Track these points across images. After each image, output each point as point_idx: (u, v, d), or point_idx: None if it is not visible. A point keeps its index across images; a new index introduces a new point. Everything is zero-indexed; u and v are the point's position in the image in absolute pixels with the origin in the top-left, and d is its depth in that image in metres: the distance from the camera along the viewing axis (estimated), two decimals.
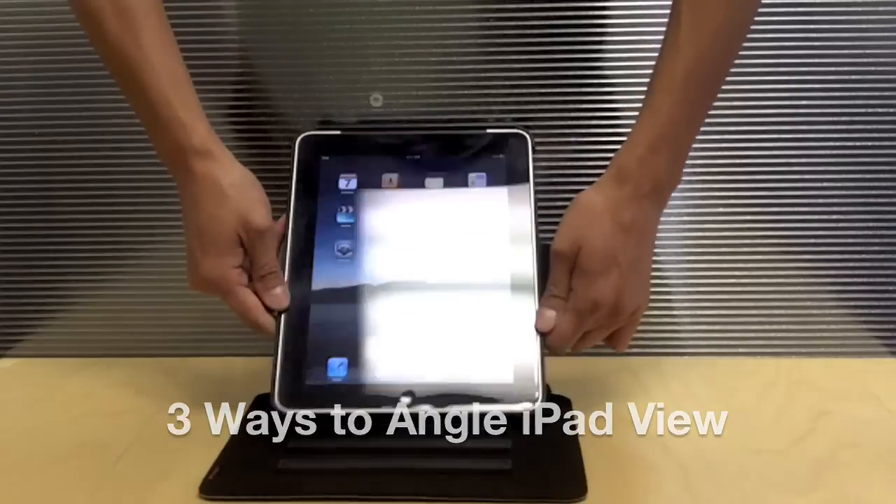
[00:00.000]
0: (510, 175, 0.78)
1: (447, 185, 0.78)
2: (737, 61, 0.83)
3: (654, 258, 0.73)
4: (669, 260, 0.89)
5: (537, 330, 0.71)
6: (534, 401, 0.68)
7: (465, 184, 0.78)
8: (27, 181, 0.90)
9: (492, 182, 0.78)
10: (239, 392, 0.78)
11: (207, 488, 0.64)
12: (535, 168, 0.78)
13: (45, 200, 0.90)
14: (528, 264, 0.74)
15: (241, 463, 0.67)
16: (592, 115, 0.86)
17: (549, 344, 0.71)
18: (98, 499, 0.64)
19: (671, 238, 0.88)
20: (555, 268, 0.71)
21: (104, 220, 0.90)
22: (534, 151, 0.78)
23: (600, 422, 0.74)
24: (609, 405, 0.77)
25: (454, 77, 0.86)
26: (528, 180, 0.77)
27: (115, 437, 0.73)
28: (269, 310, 0.72)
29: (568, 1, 0.84)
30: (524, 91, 0.86)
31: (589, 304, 0.69)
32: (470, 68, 0.85)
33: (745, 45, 0.82)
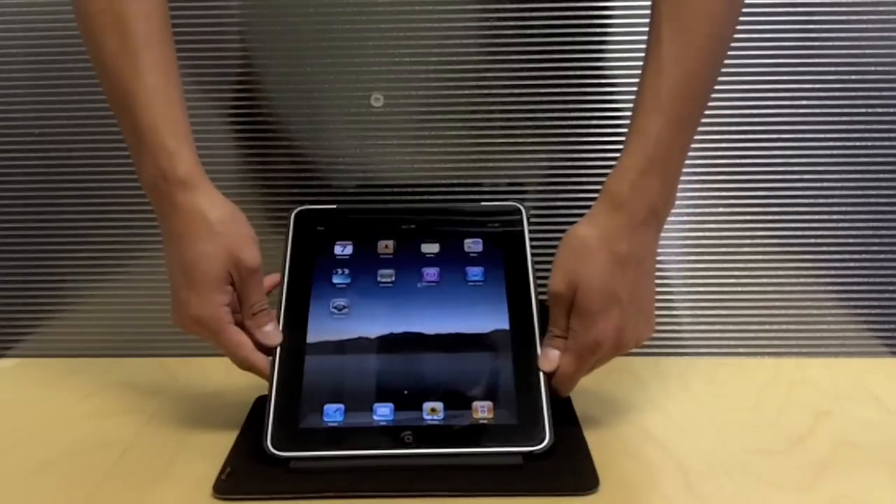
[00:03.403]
0: (506, 243, 0.77)
1: (443, 249, 0.77)
2: (735, 61, 0.84)
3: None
4: (670, 260, 0.89)
5: (541, 370, 0.69)
6: (541, 441, 0.66)
7: (461, 248, 0.77)
8: (27, 181, 0.90)
9: (488, 247, 0.77)
10: (239, 393, 0.79)
11: (221, 488, 0.64)
12: (530, 233, 0.77)
13: (44, 200, 0.90)
14: (528, 318, 0.72)
15: (251, 463, 0.67)
16: (593, 115, 0.86)
17: (554, 385, 0.70)
18: (98, 499, 0.64)
19: (671, 238, 0.88)
20: (553, 308, 0.69)
21: (104, 220, 0.90)
22: (528, 222, 0.78)
23: (600, 422, 0.74)
24: (609, 405, 0.77)
25: (454, 77, 0.86)
26: (524, 249, 0.76)
27: (115, 437, 0.73)
28: (261, 348, 0.71)
29: (568, 1, 0.84)
30: (524, 91, 0.86)
31: (590, 345, 0.67)
32: (470, 68, 0.85)
33: (745, 44, 0.82)
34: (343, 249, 0.78)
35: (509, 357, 0.71)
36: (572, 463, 0.66)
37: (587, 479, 0.64)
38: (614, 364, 0.85)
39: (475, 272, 0.76)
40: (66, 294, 0.92)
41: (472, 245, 0.78)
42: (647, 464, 0.68)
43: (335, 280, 0.76)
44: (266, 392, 0.70)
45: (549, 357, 0.70)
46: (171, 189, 0.68)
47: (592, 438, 0.70)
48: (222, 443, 0.70)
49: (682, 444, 0.70)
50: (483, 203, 0.82)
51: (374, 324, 0.73)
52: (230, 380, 0.84)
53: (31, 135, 0.89)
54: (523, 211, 0.79)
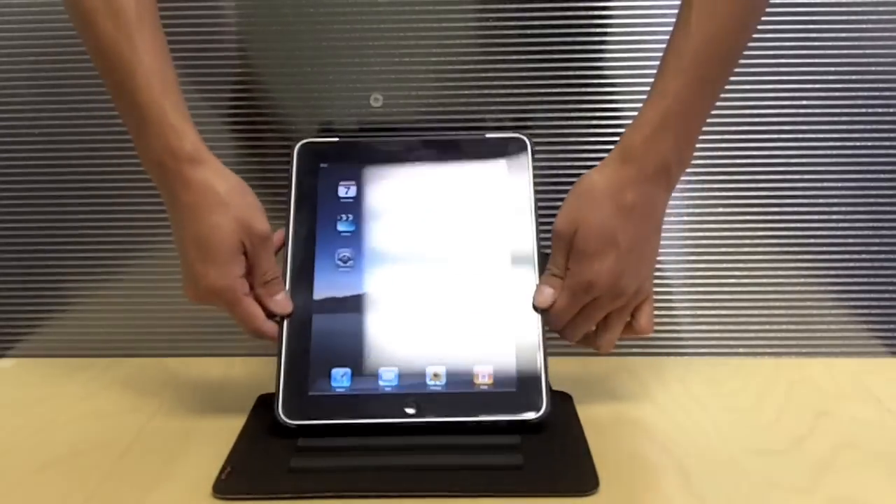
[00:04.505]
0: (511, 179, 0.77)
1: (448, 190, 0.77)
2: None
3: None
4: (669, 260, 0.89)
5: (533, 305, 0.72)
6: (539, 409, 0.69)
7: (465, 189, 0.77)
8: (26, 181, 0.90)
9: (493, 187, 0.77)
10: (239, 392, 0.79)
11: (221, 488, 0.64)
12: (535, 171, 0.78)
13: (44, 200, 0.90)
14: (530, 273, 0.74)
15: (252, 462, 0.67)
16: (593, 115, 0.86)
17: (548, 322, 0.72)
18: (98, 499, 0.64)
19: (671, 238, 0.88)
20: (553, 247, 0.72)
21: (104, 219, 0.90)
22: (533, 156, 0.78)
23: (600, 422, 0.74)
24: (609, 405, 0.77)
25: (454, 77, 0.86)
26: (528, 184, 0.77)
27: (115, 437, 0.73)
28: (270, 316, 0.72)
29: (568, 1, 0.84)
30: (524, 91, 0.86)
31: (583, 284, 0.70)
32: (470, 68, 0.85)
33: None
34: (347, 191, 0.78)
35: (510, 322, 0.72)
36: (572, 463, 0.66)
37: (587, 480, 0.64)
38: (614, 364, 0.86)
39: (478, 208, 0.76)
40: (66, 294, 0.92)
41: (477, 185, 0.77)
42: (647, 464, 0.68)
43: (340, 228, 0.76)
44: (267, 392, 0.70)
45: (543, 293, 0.72)
46: (179, 165, 0.69)
47: (592, 438, 0.70)
48: (222, 443, 0.70)
49: (682, 444, 0.70)
50: (488, 135, 0.80)
51: (379, 278, 0.74)
52: (230, 380, 0.84)
53: (32, 135, 0.89)
54: (528, 144, 0.79)
